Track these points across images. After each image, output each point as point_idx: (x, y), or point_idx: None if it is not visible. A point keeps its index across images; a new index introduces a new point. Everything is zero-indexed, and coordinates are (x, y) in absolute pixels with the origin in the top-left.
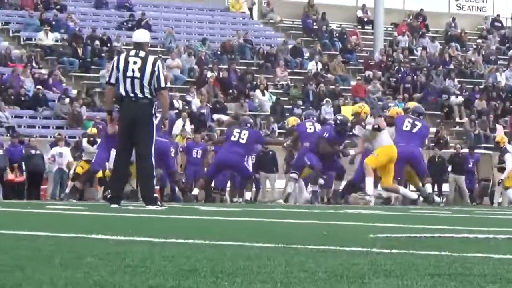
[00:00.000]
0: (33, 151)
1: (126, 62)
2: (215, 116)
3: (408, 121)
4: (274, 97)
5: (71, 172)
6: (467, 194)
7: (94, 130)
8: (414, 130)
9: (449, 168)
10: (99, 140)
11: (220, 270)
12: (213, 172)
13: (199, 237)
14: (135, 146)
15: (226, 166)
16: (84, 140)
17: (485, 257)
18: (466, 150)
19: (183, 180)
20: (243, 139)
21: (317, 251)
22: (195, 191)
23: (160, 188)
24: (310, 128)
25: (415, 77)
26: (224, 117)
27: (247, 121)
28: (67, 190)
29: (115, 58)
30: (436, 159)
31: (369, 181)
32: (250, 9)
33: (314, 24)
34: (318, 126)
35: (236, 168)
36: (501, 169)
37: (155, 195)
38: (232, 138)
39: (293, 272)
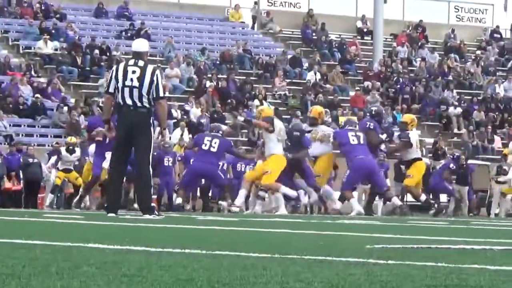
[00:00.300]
0: (30, 160)
1: (125, 71)
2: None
3: (352, 135)
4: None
5: (51, 180)
6: (467, 205)
7: (74, 139)
8: (362, 142)
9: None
10: (77, 149)
11: (216, 280)
12: (188, 182)
13: (196, 246)
14: (134, 155)
15: (200, 176)
16: (63, 149)
17: (481, 268)
18: None
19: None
20: (214, 147)
21: (313, 261)
22: (179, 200)
23: (157, 197)
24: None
25: (414, 88)
26: (223, 127)
27: (219, 128)
28: (47, 203)
29: (114, 67)
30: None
31: (286, 190)
32: (254, 18)
33: (314, 34)
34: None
35: (210, 177)
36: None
37: (152, 204)
38: (203, 147)
39: (289, 282)
